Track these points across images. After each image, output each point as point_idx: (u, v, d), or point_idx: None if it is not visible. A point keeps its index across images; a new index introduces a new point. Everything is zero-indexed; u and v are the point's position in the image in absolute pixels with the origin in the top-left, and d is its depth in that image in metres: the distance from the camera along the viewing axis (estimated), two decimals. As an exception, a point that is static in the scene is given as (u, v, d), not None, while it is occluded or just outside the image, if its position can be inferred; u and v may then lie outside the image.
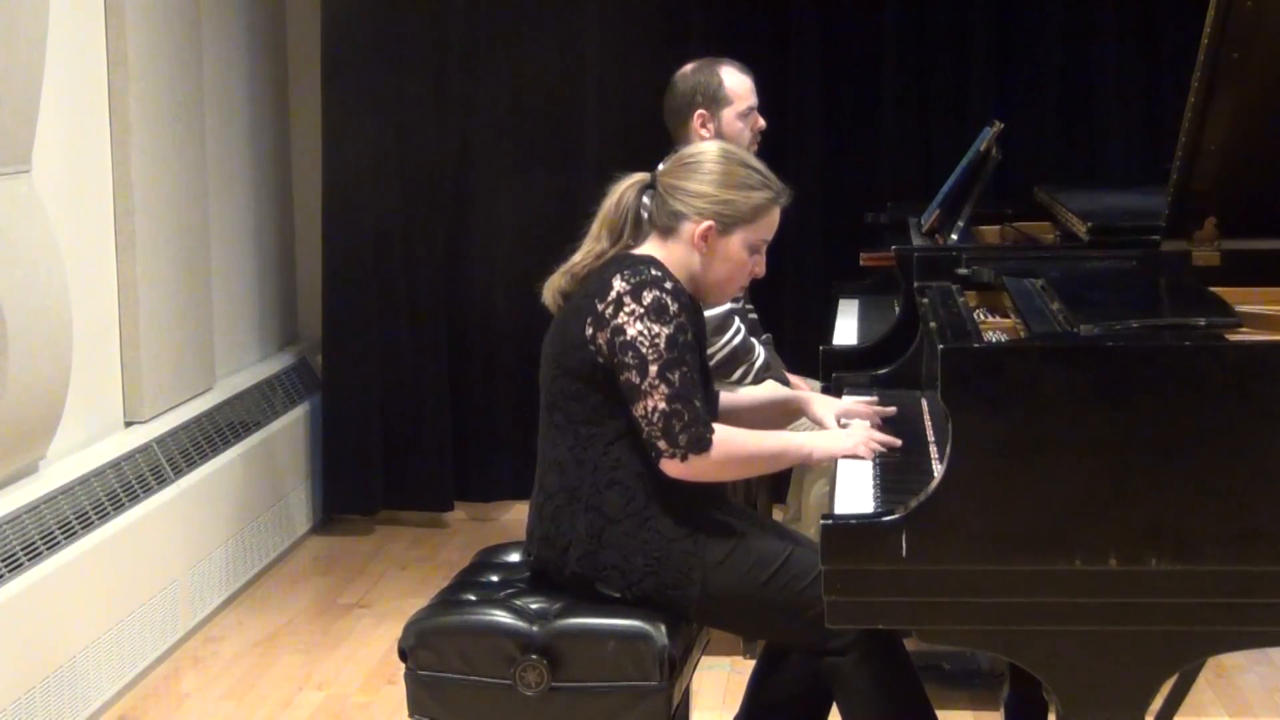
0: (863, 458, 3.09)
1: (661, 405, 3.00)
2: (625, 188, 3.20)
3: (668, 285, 3.05)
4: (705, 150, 3.20)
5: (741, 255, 3.16)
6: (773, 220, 3.19)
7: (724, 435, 3.06)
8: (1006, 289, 3.21)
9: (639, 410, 3.02)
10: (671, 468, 3.03)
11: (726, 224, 3.13)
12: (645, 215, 3.19)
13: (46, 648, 3.93)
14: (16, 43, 3.85)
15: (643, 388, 3.00)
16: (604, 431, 3.07)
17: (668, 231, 3.15)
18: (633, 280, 3.04)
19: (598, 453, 3.08)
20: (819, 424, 3.36)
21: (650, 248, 3.16)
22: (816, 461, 3.19)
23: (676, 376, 3.01)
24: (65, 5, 4.29)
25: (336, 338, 5.81)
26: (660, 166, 3.38)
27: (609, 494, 3.07)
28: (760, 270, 3.22)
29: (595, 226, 3.20)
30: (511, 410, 5.79)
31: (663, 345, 3.01)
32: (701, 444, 3.01)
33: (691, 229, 3.13)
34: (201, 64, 5.10)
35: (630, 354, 3.01)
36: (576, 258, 3.19)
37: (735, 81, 4.44)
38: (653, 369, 3.00)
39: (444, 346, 5.86)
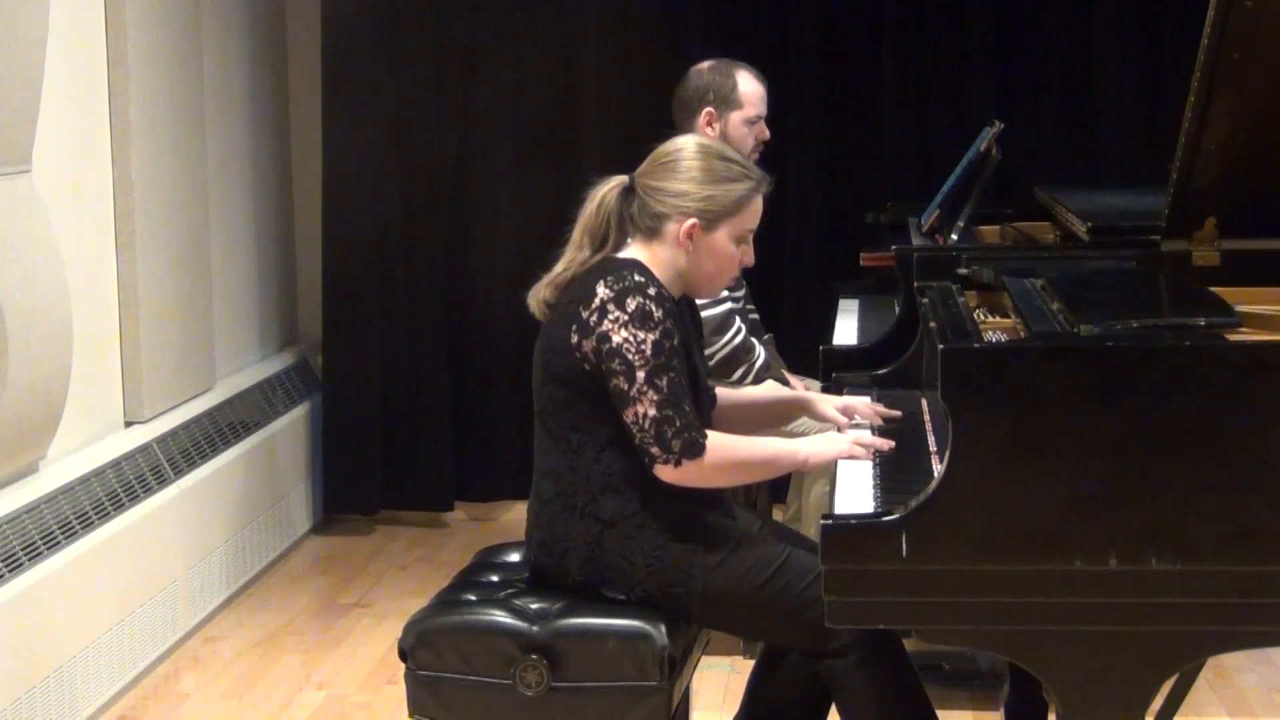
0: (858, 458, 3.07)
1: (652, 411, 2.98)
2: (604, 193, 3.15)
3: (651, 291, 3.02)
4: (681, 147, 3.15)
5: (729, 248, 3.13)
6: (756, 210, 3.16)
7: (717, 441, 3.03)
8: (1006, 289, 3.20)
9: (629, 416, 3.00)
10: (665, 473, 3.01)
11: (711, 219, 3.10)
12: (627, 218, 3.14)
13: (46, 648, 3.93)
14: (16, 43, 3.85)
15: (631, 394, 2.98)
16: (594, 438, 3.06)
17: (652, 233, 3.12)
18: (616, 287, 3.01)
19: (589, 459, 3.06)
20: (826, 420, 3.35)
21: (635, 250, 3.13)
22: (811, 467, 3.18)
23: (664, 382, 2.98)
24: (65, 5, 4.28)
25: (336, 338, 5.81)
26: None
27: (604, 499, 3.06)
28: (749, 259, 3.19)
29: (576, 234, 3.15)
30: (511, 410, 5.79)
31: (649, 351, 2.98)
32: (695, 449, 2.99)
33: (676, 228, 3.10)
34: (201, 64, 5.10)
35: (617, 360, 2.99)
36: (560, 266, 3.15)
37: (749, 88, 4.44)
38: (640, 375, 2.98)
39: (444, 346, 5.85)
